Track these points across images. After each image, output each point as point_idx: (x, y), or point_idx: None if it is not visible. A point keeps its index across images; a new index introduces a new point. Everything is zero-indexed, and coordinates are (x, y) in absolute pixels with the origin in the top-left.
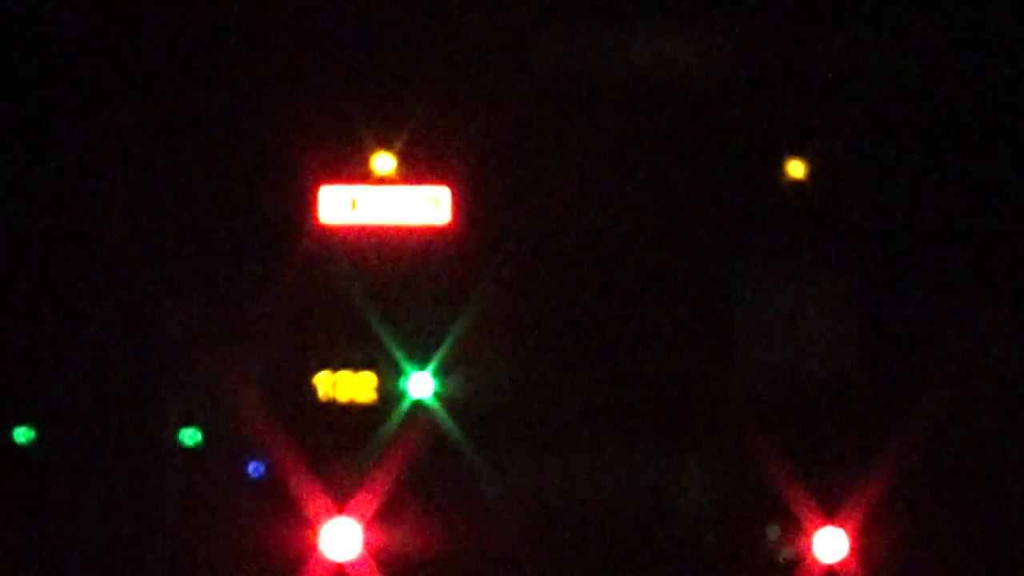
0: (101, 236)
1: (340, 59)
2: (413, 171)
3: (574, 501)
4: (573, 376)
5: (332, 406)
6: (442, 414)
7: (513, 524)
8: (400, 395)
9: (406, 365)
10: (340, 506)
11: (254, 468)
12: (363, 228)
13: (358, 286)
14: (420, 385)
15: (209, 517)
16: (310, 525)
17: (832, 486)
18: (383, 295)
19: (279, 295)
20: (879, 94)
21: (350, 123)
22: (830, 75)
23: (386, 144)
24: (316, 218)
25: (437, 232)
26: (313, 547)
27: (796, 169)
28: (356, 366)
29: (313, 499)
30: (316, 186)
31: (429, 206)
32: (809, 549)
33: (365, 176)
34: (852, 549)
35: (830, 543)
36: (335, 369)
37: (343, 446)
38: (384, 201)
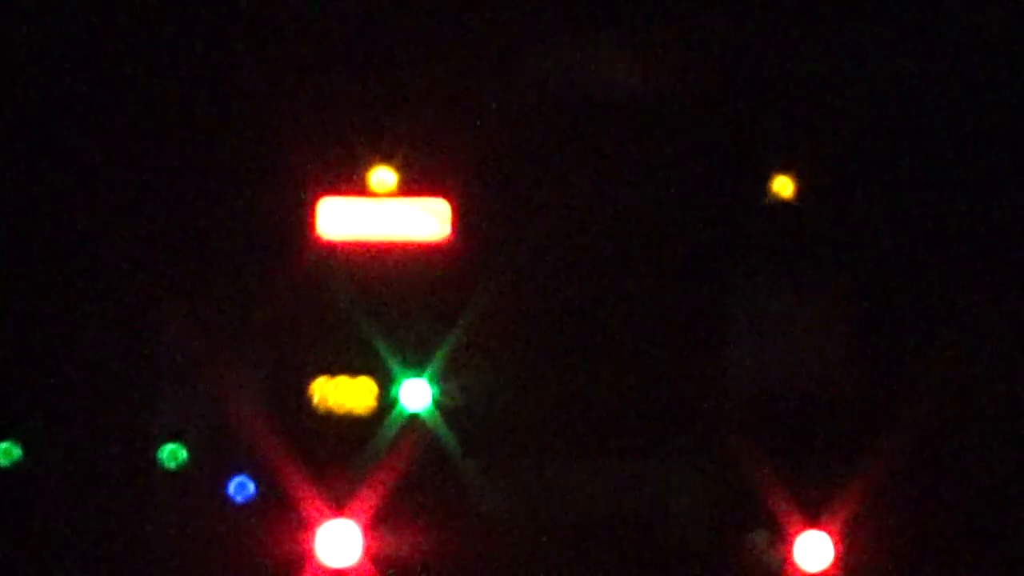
0: (90, 245)
1: (339, 72)
2: (412, 185)
3: (567, 506)
4: (568, 386)
5: (329, 413)
6: (439, 422)
7: (509, 529)
8: (398, 403)
9: (404, 374)
10: (338, 510)
11: (241, 483)
12: (362, 242)
13: (356, 298)
14: (417, 393)
15: (200, 531)
16: (307, 530)
17: (817, 492)
18: (381, 307)
19: (277, 305)
20: (870, 107)
21: (349, 137)
22: (820, 89)
23: (385, 158)
24: (314, 231)
25: (436, 246)
26: (310, 553)
27: (785, 185)
28: (354, 372)
29: (310, 504)
30: (315, 199)
31: (428, 220)
32: (791, 555)
33: (364, 190)
34: (836, 555)
35: (814, 549)
36: (333, 375)
37: (340, 452)
38: (383, 215)
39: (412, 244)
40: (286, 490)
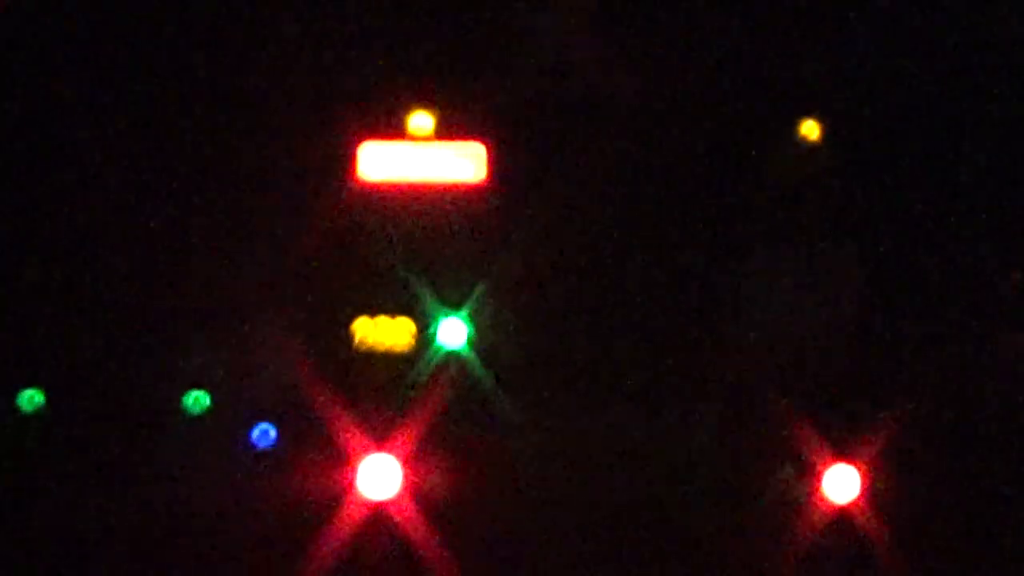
0: (123, 191)
1: (379, 21)
2: (450, 129)
3: (598, 443)
4: (599, 326)
5: (369, 351)
6: (475, 359)
7: (540, 463)
8: (435, 341)
9: (441, 312)
10: (379, 445)
11: (264, 431)
12: (401, 184)
13: (396, 240)
14: (454, 331)
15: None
16: (348, 465)
17: (844, 427)
18: (420, 247)
19: (319, 248)
20: (889, 62)
21: (389, 83)
22: (842, 41)
23: (424, 103)
24: (356, 174)
25: (473, 188)
26: (351, 486)
27: (810, 129)
28: (393, 312)
29: (352, 439)
30: (356, 143)
31: (465, 163)
32: (820, 489)
33: (403, 134)
34: (863, 488)
35: (842, 482)
36: (373, 315)
37: (381, 389)
38: (422, 158)
39: (449, 186)
40: (328, 426)
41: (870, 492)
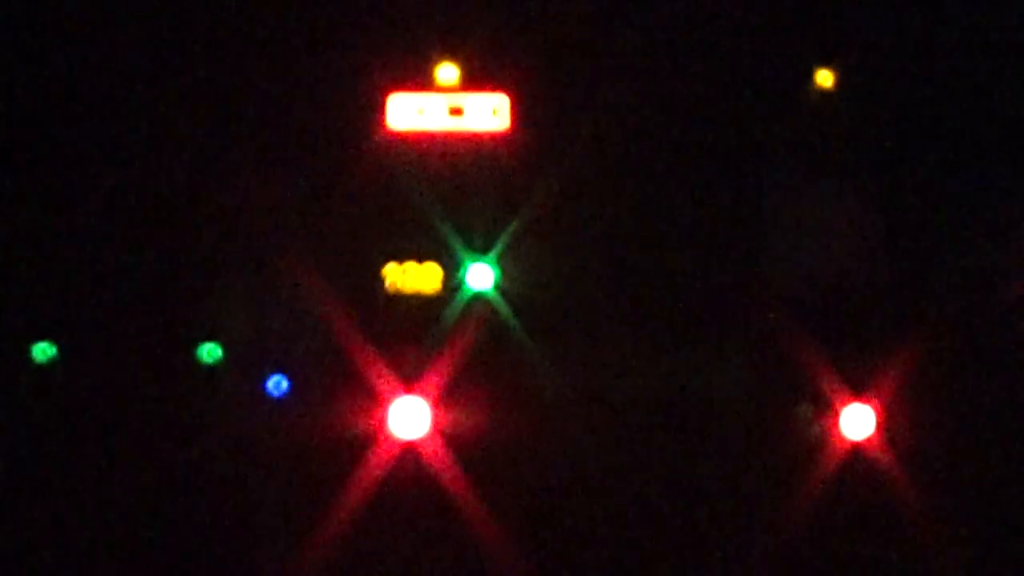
0: (147, 141)
1: None
2: (475, 80)
3: (622, 385)
4: (622, 271)
5: (399, 296)
6: (502, 301)
7: (566, 405)
8: (463, 285)
9: (468, 257)
10: (409, 387)
11: (277, 382)
12: (428, 133)
13: (424, 187)
14: (481, 275)
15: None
16: (380, 406)
17: (860, 365)
18: (447, 194)
19: (350, 196)
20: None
21: (416, 36)
22: None
23: (450, 55)
24: (385, 124)
25: (497, 137)
26: (383, 427)
27: (824, 79)
28: (421, 257)
29: (383, 381)
30: (385, 94)
31: (490, 113)
32: (837, 426)
33: (430, 85)
34: (878, 426)
35: (858, 420)
36: (402, 261)
37: (410, 332)
38: (448, 108)
39: (474, 135)
40: (360, 369)
41: (885, 430)
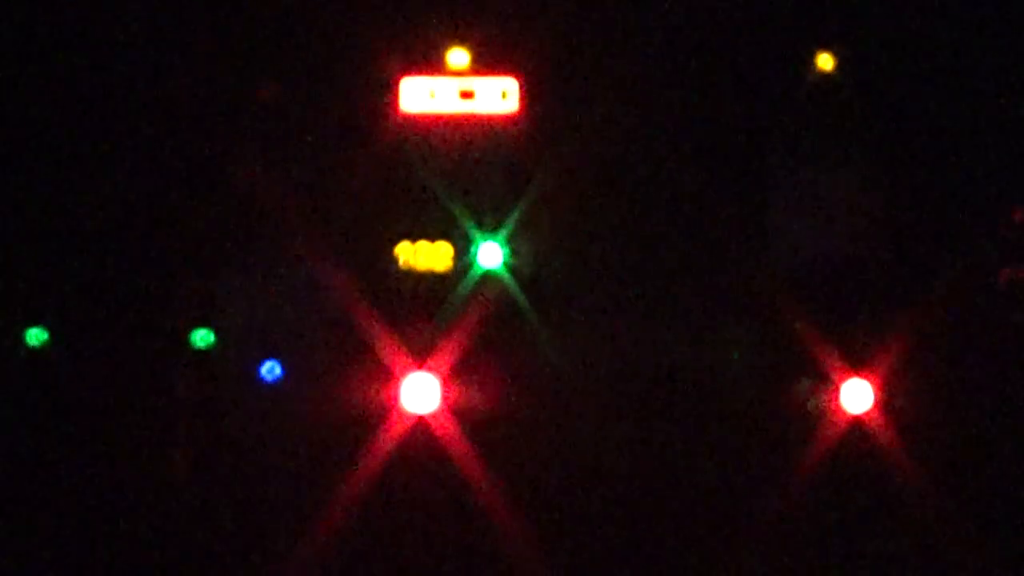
0: (149, 126)
1: None
2: (485, 64)
3: (628, 361)
4: (628, 249)
5: (411, 274)
6: (512, 281)
7: (574, 380)
8: (473, 264)
9: (478, 236)
10: (420, 363)
11: (271, 368)
12: (440, 116)
13: (435, 169)
14: (491, 254)
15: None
16: (392, 382)
17: (859, 342)
18: (458, 175)
19: (363, 177)
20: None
21: (428, 21)
22: None
23: (461, 40)
24: (397, 107)
25: (507, 119)
26: (395, 401)
27: (825, 62)
28: (433, 237)
29: (396, 358)
30: (397, 78)
31: (500, 96)
32: (837, 400)
33: (441, 69)
34: (877, 400)
35: (857, 394)
36: (414, 240)
37: (422, 310)
38: (459, 91)
39: (485, 117)
40: (374, 345)
41: (883, 404)
